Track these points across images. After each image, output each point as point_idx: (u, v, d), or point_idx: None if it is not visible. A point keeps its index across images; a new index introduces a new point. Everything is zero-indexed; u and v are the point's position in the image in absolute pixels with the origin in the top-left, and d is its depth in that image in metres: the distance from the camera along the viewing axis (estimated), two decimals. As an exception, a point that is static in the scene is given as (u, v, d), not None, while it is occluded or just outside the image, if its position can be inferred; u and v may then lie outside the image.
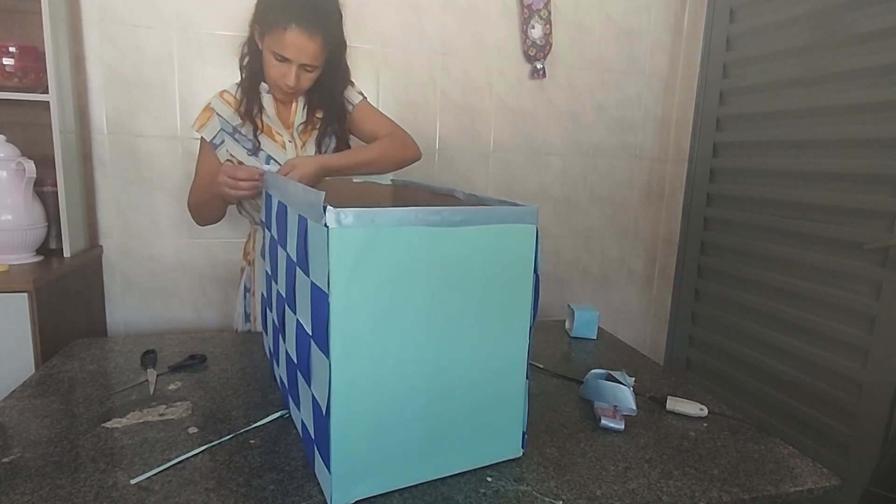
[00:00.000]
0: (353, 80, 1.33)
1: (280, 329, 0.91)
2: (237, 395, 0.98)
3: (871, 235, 1.37)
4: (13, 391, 0.95)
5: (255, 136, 1.24)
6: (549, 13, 1.87)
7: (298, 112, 1.28)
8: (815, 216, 1.53)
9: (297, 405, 0.82)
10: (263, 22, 1.14)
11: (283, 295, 0.85)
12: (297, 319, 0.76)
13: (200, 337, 1.26)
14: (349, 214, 0.61)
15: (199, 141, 1.27)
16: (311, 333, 0.69)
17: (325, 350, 0.64)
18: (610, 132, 2.07)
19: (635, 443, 0.88)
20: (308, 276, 0.69)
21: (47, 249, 1.53)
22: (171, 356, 1.14)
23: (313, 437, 0.73)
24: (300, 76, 1.16)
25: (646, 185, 2.15)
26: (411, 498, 0.71)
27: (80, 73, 1.57)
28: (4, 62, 1.40)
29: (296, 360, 0.79)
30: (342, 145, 1.32)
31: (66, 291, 1.44)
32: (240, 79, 1.26)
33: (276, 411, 0.92)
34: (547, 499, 0.72)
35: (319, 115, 1.29)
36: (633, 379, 1.08)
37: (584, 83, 1.99)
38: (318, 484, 0.72)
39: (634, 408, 0.98)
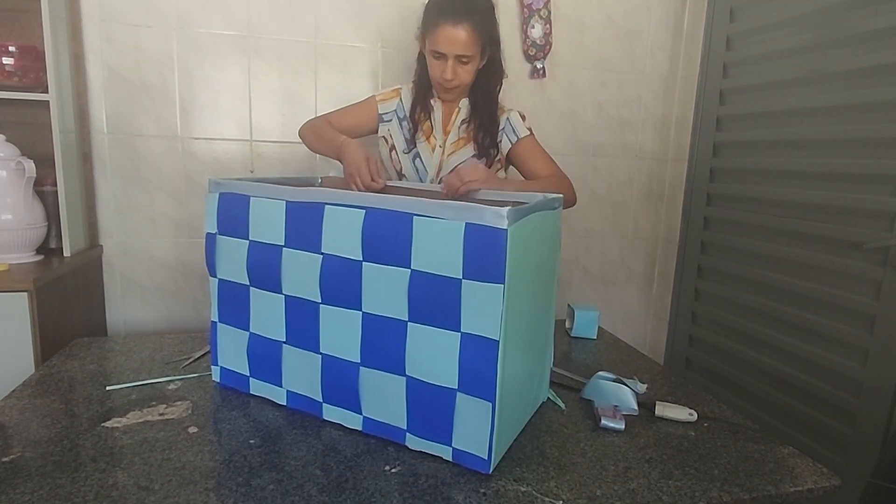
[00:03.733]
0: (502, 105, 1.39)
1: (315, 340, 0.89)
2: (237, 394, 0.98)
3: (871, 235, 1.37)
4: (13, 391, 0.96)
5: (413, 136, 1.36)
6: (549, 13, 1.87)
7: (461, 114, 1.36)
8: (815, 216, 1.53)
9: (353, 403, 0.87)
10: (423, 29, 1.27)
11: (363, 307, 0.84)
12: (384, 317, 0.81)
13: (200, 337, 1.26)
14: (508, 214, 0.70)
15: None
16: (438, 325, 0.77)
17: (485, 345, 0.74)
18: (610, 132, 2.06)
19: (635, 443, 0.88)
20: (435, 273, 0.75)
21: (47, 249, 1.52)
22: (171, 356, 1.14)
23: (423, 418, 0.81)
24: (456, 69, 1.25)
25: (646, 185, 2.15)
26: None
27: (80, 73, 1.57)
28: (4, 62, 1.40)
29: (370, 359, 0.83)
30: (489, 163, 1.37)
31: (66, 291, 1.44)
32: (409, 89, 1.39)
33: (277, 411, 0.92)
34: (547, 499, 0.72)
35: (472, 126, 1.35)
36: (646, 385, 1.07)
37: (584, 83, 1.99)
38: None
39: (636, 407, 0.98)
